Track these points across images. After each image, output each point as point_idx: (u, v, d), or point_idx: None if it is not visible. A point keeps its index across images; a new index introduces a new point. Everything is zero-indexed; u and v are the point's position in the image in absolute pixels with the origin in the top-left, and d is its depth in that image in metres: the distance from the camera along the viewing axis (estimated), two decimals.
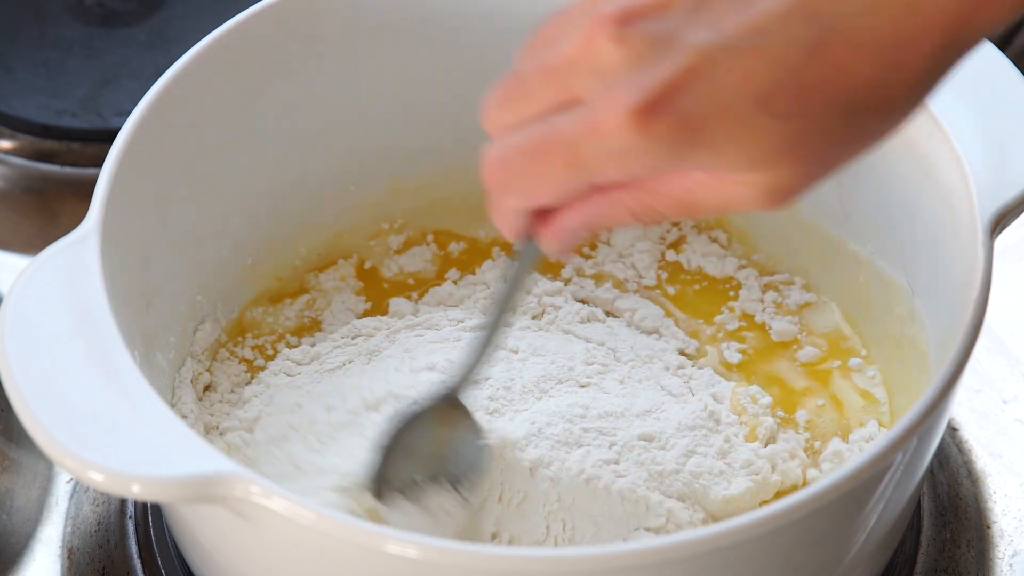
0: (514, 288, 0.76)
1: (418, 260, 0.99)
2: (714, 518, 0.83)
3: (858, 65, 0.63)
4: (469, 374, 0.80)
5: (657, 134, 0.63)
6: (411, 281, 0.99)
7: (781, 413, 0.91)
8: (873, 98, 0.64)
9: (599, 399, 0.87)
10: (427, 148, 1.00)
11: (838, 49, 0.63)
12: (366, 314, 0.96)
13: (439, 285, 0.98)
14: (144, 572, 0.89)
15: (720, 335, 0.95)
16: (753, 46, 0.63)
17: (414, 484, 0.81)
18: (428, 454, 0.81)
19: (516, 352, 0.89)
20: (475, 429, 0.82)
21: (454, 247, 1.00)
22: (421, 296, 0.97)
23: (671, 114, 0.63)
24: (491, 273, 0.97)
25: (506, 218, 0.71)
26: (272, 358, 0.93)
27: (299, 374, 0.91)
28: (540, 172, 0.67)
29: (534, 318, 0.94)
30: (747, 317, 0.96)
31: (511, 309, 0.77)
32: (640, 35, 0.64)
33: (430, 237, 1.00)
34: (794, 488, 0.86)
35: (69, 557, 0.91)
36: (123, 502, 0.92)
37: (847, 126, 0.64)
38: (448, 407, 0.81)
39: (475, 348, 0.79)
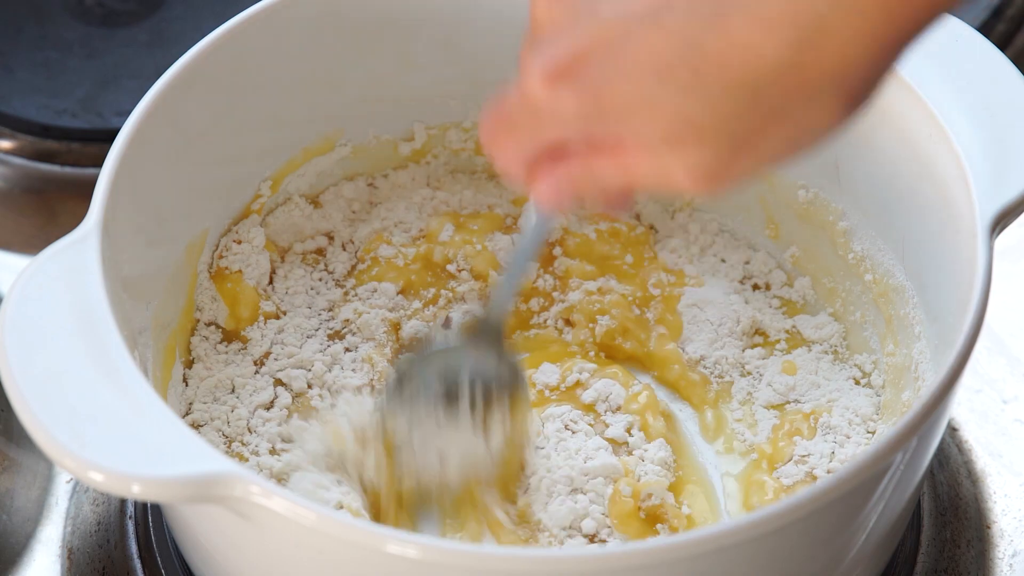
0: (532, 240, 0.80)
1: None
2: None
3: (762, 42, 0.62)
4: (498, 313, 0.85)
5: (565, 99, 0.66)
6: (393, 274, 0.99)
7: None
8: (786, 80, 0.63)
9: None
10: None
11: (740, 23, 0.62)
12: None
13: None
14: (144, 572, 0.89)
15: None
16: (657, 19, 0.63)
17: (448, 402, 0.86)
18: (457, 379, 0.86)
19: None
20: (507, 350, 0.86)
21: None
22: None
23: (577, 81, 0.65)
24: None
25: (504, 174, 0.73)
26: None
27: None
28: (501, 138, 0.70)
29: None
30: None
31: (531, 259, 0.82)
32: (563, 5, 0.67)
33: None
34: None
35: (69, 557, 0.91)
36: (123, 502, 0.92)
37: (760, 108, 0.63)
38: (476, 341, 0.86)
39: (500, 293, 0.84)
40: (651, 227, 1.00)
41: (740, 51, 0.62)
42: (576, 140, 0.68)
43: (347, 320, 0.95)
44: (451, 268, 0.97)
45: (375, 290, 0.96)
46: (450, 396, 0.86)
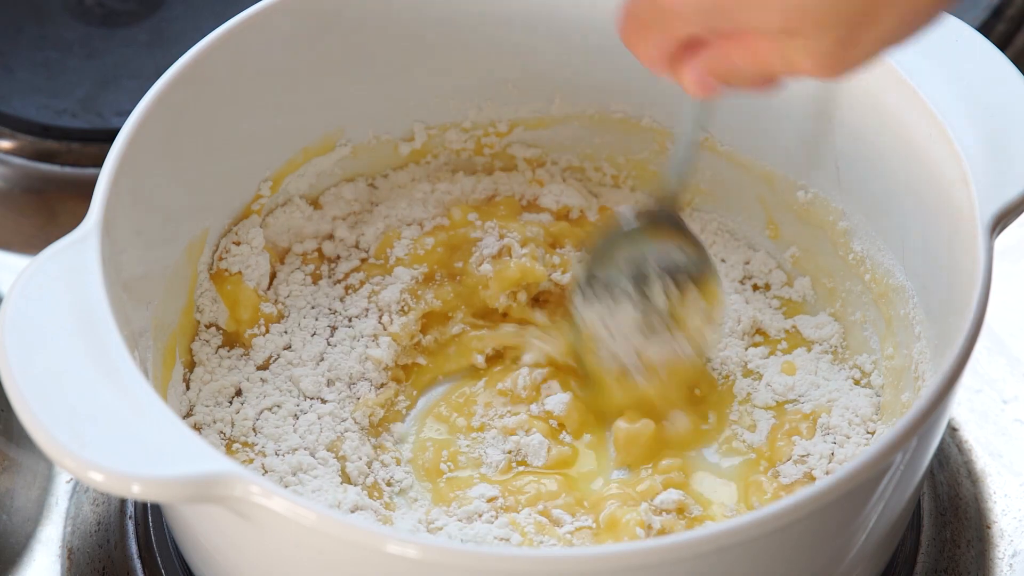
0: (693, 128, 0.84)
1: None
2: None
3: None
4: (676, 190, 0.88)
5: None
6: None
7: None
8: None
9: None
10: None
11: None
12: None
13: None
14: (144, 572, 0.89)
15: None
16: None
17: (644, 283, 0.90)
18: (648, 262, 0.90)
19: None
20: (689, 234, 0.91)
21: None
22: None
23: None
24: None
25: (650, 68, 0.75)
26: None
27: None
28: (635, 37, 0.73)
29: None
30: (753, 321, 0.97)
31: (695, 146, 0.86)
32: None
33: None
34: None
35: (69, 557, 0.91)
36: (123, 502, 0.92)
37: None
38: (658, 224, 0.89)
39: (674, 168, 0.86)
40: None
41: None
42: (705, 32, 0.70)
43: (349, 318, 0.95)
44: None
45: (387, 282, 0.96)
46: (639, 285, 0.90)
